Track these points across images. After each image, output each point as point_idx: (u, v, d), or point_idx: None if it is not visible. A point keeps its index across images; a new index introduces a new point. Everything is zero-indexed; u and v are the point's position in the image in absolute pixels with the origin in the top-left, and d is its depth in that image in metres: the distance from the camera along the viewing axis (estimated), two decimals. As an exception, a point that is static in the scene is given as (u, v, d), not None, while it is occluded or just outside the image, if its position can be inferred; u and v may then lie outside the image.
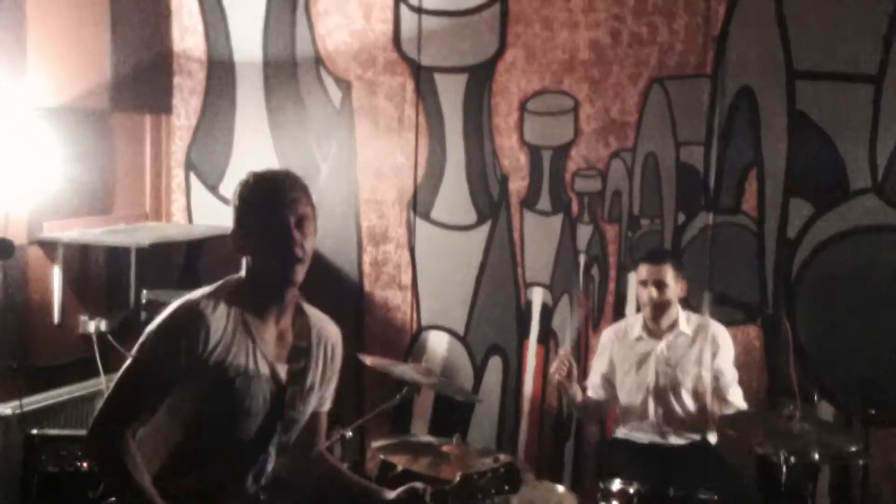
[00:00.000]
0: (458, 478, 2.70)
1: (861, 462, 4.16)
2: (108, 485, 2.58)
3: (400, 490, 2.73)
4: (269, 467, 2.71)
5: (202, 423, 2.57)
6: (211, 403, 2.55)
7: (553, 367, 4.36)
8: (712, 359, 4.32)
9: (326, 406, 2.85)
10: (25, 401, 4.09)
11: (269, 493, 2.72)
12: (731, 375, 4.35)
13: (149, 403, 2.54)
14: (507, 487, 2.72)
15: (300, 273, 2.59)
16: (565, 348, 4.60)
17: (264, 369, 2.61)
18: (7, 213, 4.14)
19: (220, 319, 2.54)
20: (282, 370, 2.65)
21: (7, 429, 4.01)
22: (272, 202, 2.56)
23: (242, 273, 2.65)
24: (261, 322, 2.62)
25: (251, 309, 2.60)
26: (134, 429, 2.52)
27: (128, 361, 2.55)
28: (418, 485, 2.72)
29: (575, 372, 4.35)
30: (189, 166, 5.28)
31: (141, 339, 2.55)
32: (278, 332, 2.67)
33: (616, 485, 3.67)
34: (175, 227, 5.22)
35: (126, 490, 2.48)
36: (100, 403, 2.65)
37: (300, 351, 2.69)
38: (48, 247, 4.45)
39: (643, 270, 4.36)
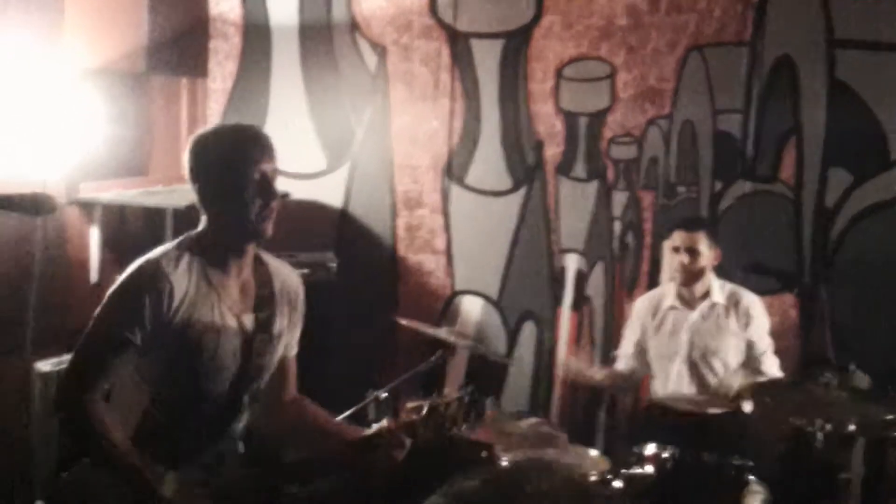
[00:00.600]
0: (425, 409, 2.75)
1: (896, 433, 4.14)
2: (84, 447, 2.55)
3: (373, 427, 2.80)
4: (244, 417, 2.74)
5: (175, 381, 2.58)
6: (181, 362, 2.56)
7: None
8: (745, 329, 4.31)
9: (293, 352, 2.87)
10: (64, 358, 4.13)
11: (246, 443, 2.76)
12: (765, 345, 4.33)
13: (112, 365, 2.49)
14: (472, 416, 2.81)
15: (270, 227, 2.60)
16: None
17: (231, 322, 2.62)
18: (45, 174, 4.16)
19: (182, 276, 2.54)
20: (248, 321, 2.66)
21: (46, 385, 4.06)
22: (241, 158, 2.56)
23: (202, 227, 2.65)
24: (223, 275, 2.63)
25: (212, 262, 2.61)
26: (103, 390, 2.49)
27: (90, 323, 2.53)
28: (387, 421, 2.80)
29: (584, 364, 4.56)
30: (224, 129, 5.28)
31: (103, 301, 2.53)
32: (240, 284, 2.68)
33: (650, 449, 3.67)
34: (210, 189, 5.23)
35: (100, 450, 2.47)
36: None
37: (264, 300, 2.71)
38: (86, 207, 4.47)
39: (676, 237, 4.35)
